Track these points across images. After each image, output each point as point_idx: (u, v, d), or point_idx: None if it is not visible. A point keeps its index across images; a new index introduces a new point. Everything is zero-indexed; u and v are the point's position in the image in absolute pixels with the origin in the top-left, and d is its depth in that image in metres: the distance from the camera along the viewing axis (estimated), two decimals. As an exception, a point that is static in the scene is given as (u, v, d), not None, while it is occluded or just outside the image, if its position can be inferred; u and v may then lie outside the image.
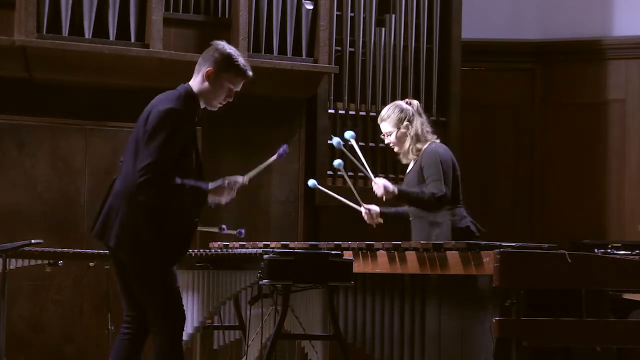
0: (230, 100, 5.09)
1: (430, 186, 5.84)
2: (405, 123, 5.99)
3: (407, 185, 6.03)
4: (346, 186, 6.35)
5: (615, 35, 8.90)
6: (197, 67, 5.06)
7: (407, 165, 6.17)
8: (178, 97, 4.94)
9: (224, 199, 5.03)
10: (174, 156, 4.83)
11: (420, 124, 6.02)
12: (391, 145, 6.09)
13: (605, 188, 8.90)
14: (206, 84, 4.99)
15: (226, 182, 5.01)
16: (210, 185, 4.96)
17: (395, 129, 6.02)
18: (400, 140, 6.03)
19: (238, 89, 5.07)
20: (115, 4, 7.35)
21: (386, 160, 8.27)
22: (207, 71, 4.98)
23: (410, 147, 6.01)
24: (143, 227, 4.83)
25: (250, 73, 5.05)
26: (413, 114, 6.02)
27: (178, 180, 4.81)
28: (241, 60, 5.02)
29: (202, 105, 5.06)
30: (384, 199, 5.85)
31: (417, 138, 6.00)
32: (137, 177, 4.77)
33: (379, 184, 5.84)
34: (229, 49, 5.03)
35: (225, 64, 4.99)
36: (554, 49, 9.03)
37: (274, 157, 5.41)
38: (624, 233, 8.68)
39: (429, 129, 6.06)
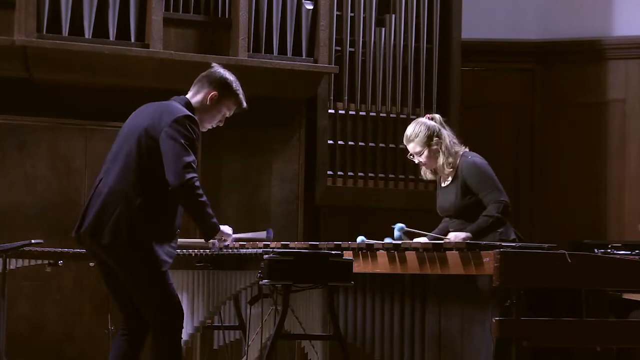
0: (221, 125, 5.28)
1: (489, 200, 5.70)
2: (435, 139, 5.82)
3: (444, 202, 5.90)
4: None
5: (615, 35, 8.90)
6: (197, 86, 5.20)
7: (419, 171, 6.07)
8: (182, 107, 5.06)
9: (227, 242, 5.21)
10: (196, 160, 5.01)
11: (447, 137, 5.86)
12: (422, 164, 5.91)
13: (605, 188, 8.90)
14: (208, 105, 5.15)
15: (231, 231, 5.18)
16: (222, 228, 5.10)
17: (426, 147, 5.82)
18: (431, 158, 5.85)
19: (230, 115, 5.26)
20: (115, 4, 7.35)
21: (386, 161, 8.28)
22: (212, 94, 5.13)
23: (444, 163, 5.83)
24: (141, 227, 4.85)
25: (245, 104, 5.24)
26: (439, 129, 5.86)
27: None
28: (240, 90, 5.22)
29: None
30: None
31: (449, 152, 5.82)
32: (181, 175, 4.83)
33: (454, 240, 5.52)
34: (230, 75, 5.22)
35: (228, 90, 5.17)
36: (554, 49, 9.03)
37: (262, 235, 5.55)
38: (624, 233, 8.68)
39: (455, 140, 5.91)
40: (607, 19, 8.94)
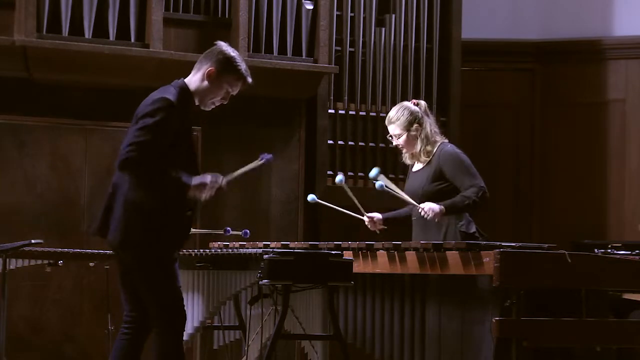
0: (225, 103, 5.10)
1: (467, 185, 5.73)
2: (415, 125, 5.87)
3: (411, 185, 5.95)
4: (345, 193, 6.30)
5: (615, 35, 8.90)
6: (197, 65, 5.06)
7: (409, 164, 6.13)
8: (171, 90, 4.95)
9: (203, 195, 4.91)
10: (161, 144, 4.80)
11: (429, 125, 5.91)
12: (400, 147, 5.98)
13: (605, 188, 8.90)
14: (205, 82, 5.00)
15: (209, 179, 4.90)
16: (194, 181, 4.86)
17: (405, 132, 5.88)
18: (410, 142, 5.91)
19: (235, 92, 5.08)
20: (115, 4, 7.35)
21: (386, 160, 8.28)
22: (208, 70, 4.99)
23: (421, 149, 5.89)
24: (135, 222, 4.82)
25: (249, 79, 5.06)
26: (422, 116, 5.91)
27: (162, 169, 4.79)
28: (243, 65, 5.04)
29: (196, 103, 5.06)
30: (436, 220, 5.67)
31: (427, 140, 5.88)
32: (122, 154, 4.74)
33: (427, 210, 5.64)
34: (233, 51, 5.05)
35: (227, 65, 5.00)
36: (554, 49, 9.03)
37: (258, 162, 5.27)
38: (624, 233, 8.68)
39: (437, 129, 5.96)
40: (607, 19, 8.94)
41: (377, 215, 5.99)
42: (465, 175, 5.78)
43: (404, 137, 5.90)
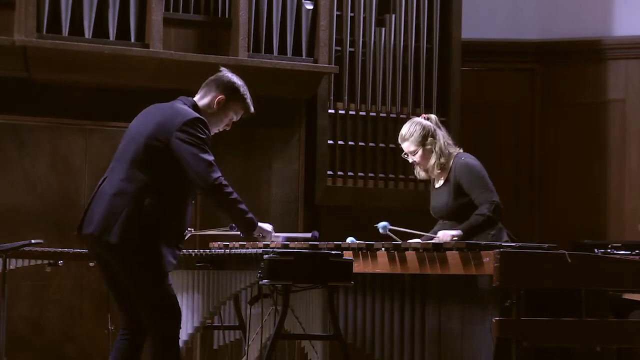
0: (227, 130, 5.27)
1: (481, 201, 5.72)
2: (429, 139, 5.83)
3: (437, 203, 5.91)
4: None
5: (615, 35, 8.90)
6: (204, 89, 5.18)
7: (411, 168, 6.10)
8: (195, 110, 5.07)
9: (268, 239, 5.28)
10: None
11: (442, 137, 5.88)
12: (415, 163, 5.93)
13: (605, 188, 8.90)
14: (214, 109, 5.13)
15: (269, 235, 5.25)
16: (260, 224, 5.16)
17: (420, 147, 5.84)
18: (425, 157, 5.86)
19: (237, 120, 5.25)
20: (115, 4, 7.35)
21: (386, 161, 8.28)
22: (219, 98, 5.12)
23: (436, 163, 5.85)
24: (151, 228, 4.85)
25: (252, 109, 5.23)
26: (435, 129, 5.87)
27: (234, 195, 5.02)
28: (248, 94, 5.21)
29: None
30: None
31: (442, 153, 5.84)
32: (208, 178, 4.88)
33: (444, 238, 5.58)
34: (239, 80, 5.21)
35: (236, 95, 5.16)
36: (554, 49, 9.03)
37: (307, 235, 5.64)
38: (624, 233, 8.68)
39: (450, 141, 5.92)
40: (607, 19, 8.94)
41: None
42: (479, 190, 5.77)
43: (419, 152, 5.86)
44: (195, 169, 4.88)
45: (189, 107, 5.07)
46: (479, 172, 5.82)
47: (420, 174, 6.02)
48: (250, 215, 5.02)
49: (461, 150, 5.97)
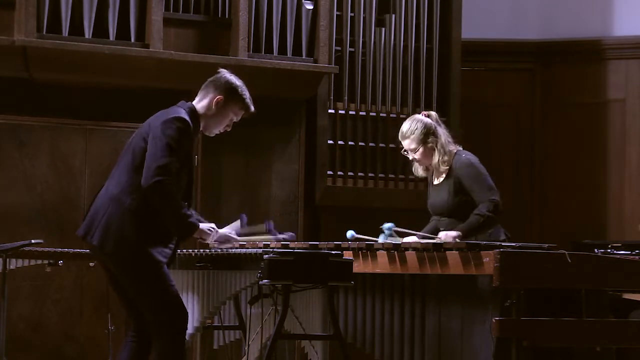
0: (229, 130, 5.25)
1: (481, 199, 5.71)
2: (430, 137, 5.81)
3: (436, 199, 5.89)
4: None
5: (615, 35, 8.91)
6: (203, 91, 5.17)
7: (411, 168, 6.10)
8: (184, 112, 5.04)
9: (208, 240, 5.10)
10: (178, 164, 4.90)
11: (443, 135, 5.86)
12: (415, 161, 5.90)
13: (605, 188, 8.90)
14: (213, 110, 5.12)
15: (216, 236, 5.09)
16: (202, 226, 5.01)
17: (422, 145, 5.81)
18: (426, 155, 5.84)
19: (237, 120, 5.22)
20: (115, 4, 7.35)
21: (386, 161, 8.28)
22: (217, 99, 5.11)
23: (439, 160, 5.82)
24: (130, 228, 4.86)
25: (252, 108, 5.20)
26: (435, 127, 5.85)
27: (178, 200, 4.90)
28: (247, 94, 5.18)
29: (200, 128, 5.17)
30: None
31: (444, 150, 5.82)
32: (150, 176, 4.80)
33: (445, 239, 5.53)
34: (237, 80, 5.18)
35: (234, 95, 5.14)
36: (554, 49, 9.03)
37: (268, 236, 5.50)
38: (624, 233, 8.68)
39: (450, 138, 5.90)
40: (607, 19, 8.94)
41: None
42: (480, 188, 5.76)
43: (420, 150, 5.84)
44: (147, 164, 4.84)
45: (185, 109, 5.05)
46: (478, 169, 5.82)
47: (418, 171, 6.01)
48: (188, 220, 4.90)
49: (460, 148, 5.96)
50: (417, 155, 5.87)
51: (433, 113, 5.98)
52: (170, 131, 4.88)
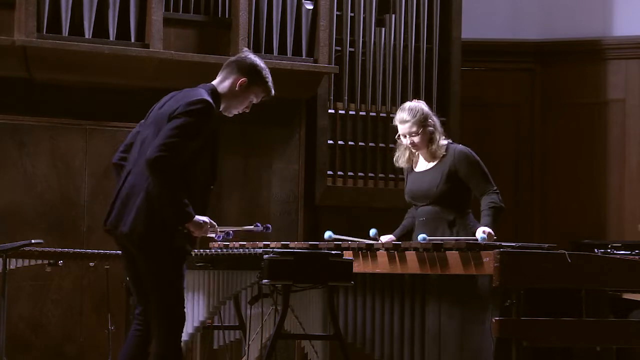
0: (247, 112, 5.17)
1: (484, 190, 5.73)
2: (429, 121, 5.84)
3: (422, 185, 5.86)
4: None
5: (615, 35, 8.91)
6: (226, 72, 5.09)
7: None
8: (208, 93, 4.96)
9: (197, 233, 4.92)
10: (189, 147, 4.80)
11: (437, 120, 5.91)
12: (413, 146, 5.87)
13: (605, 188, 8.90)
14: (236, 91, 5.05)
15: (208, 224, 4.92)
16: (196, 217, 4.86)
17: (422, 128, 5.82)
18: (424, 140, 5.84)
19: (257, 102, 5.16)
20: (115, 4, 7.35)
21: (386, 161, 8.27)
22: (241, 81, 5.04)
23: (437, 145, 5.83)
24: (157, 217, 4.79)
25: (273, 92, 5.15)
26: (431, 113, 5.90)
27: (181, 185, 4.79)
28: (270, 77, 5.13)
29: (220, 109, 5.08)
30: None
31: (440, 136, 5.85)
32: (152, 152, 4.72)
33: (483, 238, 5.42)
34: (262, 62, 5.13)
35: (258, 77, 5.09)
36: (554, 49, 9.03)
37: (251, 227, 5.40)
38: (624, 233, 8.68)
39: (441, 128, 5.95)
40: (607, 19, 8.94)
41: (388, 237, 5.84)
42: (482, 180, 5.76)
43: (420, 134, 5.84)
44: (155, 141, 4.75)
45: (205, 91, 4.96)
46: (479, 161, 5.83)
47: (399, 160, 5.98)
48: (185, 209, 4.76)
49: (450, 140, 5.98)
50: (416, 139, 5.85)
51: (422, 101, 6.01)
52: (189, 114, 4.80)
